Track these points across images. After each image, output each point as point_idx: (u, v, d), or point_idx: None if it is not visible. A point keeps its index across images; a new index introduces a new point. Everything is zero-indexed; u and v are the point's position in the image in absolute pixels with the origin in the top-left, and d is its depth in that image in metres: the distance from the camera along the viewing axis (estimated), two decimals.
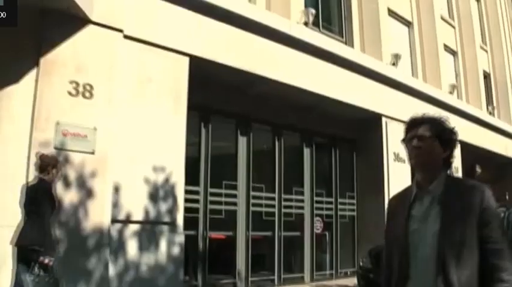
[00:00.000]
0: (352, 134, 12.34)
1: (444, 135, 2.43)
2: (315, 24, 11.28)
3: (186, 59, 8.08)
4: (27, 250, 5.20)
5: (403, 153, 9.40)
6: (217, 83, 8.92)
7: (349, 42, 12.52)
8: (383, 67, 12.12)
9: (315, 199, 11.37)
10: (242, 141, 10.04)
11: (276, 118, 10.53)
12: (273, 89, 9.68)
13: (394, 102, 12.20)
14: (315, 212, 11.34)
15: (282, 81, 9.54)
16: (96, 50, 6.99)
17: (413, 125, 2.46)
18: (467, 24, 18.22)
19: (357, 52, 12.19)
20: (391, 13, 13.89)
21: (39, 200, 5.33)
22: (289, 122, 10.89)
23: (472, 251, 2.24)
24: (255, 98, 9.74)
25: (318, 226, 11.33)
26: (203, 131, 9.28)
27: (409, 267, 2.36)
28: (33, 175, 6.12)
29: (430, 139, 2.39)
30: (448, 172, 2.47)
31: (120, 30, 7.23)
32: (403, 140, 2.45)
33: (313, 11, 10.65)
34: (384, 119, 12.06)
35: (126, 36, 7.31)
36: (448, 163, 2.47)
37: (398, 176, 11.94)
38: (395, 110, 11.99)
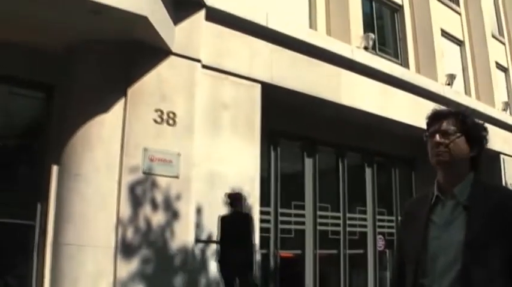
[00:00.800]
0: (410, 153, 12.41)
1: (472, 132, 2.14)
2: (373, 47, 11.48)
3: (258, 86, 8.38)
4: (242, 268, 6.77)
5: None
6: (285, 107, 9.16)
7: (405, 64, 12.69)
8: (438, 87, 12.19)
9: (377, 217, 11.50)
10: (308, 162, 10.34)
11: (339, 139, 10.73)
12: (337, 111, 9.90)
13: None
14: (377, 230, 11.46)
15: (344, 104, 9.76)
16: (178, 80, 7.35)
17: (436, 118, 2.19)
18: None
19: (412, 73, 12.32)
20: (444, 33, 13.97)
21: (250, 228, 6.88)
22: (351, 143, 11.07)
23: (502, 275, 1.93)
24: (320, 120, 9.97)
25: (380, 243, 11.45)
26: (272, 153, 9.59)
27: (425, 277, 2.08)
28: (127, 199, 6.53)
29: (455, 135, 2.11)
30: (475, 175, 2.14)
31: (198, 61, 7.59)
32: (425, 136, 2.20)
33: (372, 35, 10.89)
34: (501, 157, 12.47)
35: (203, 66, 7.66)
36: (476, 164, 2.16)
37: None
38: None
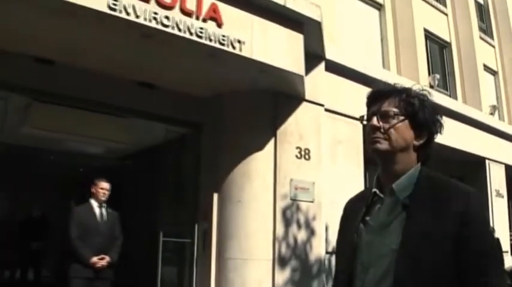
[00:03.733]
0: (461, 174, 13.82)
1: (419, 115, 1.74)
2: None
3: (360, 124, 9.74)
4: None
5: (503, 189, 11.14)
6: None
7: (453, 95, 14.08)
8: (483, 116, 13.63)
9: None
10: None
11: None
12: None
13: (494, 146, 13.73)
14: None
15: None
16: (309, 121, 8.68)
17: (376, 98, 1.80)
18: None
19: (460, 104, 13.74)
20: (486, 68, 15.40)
21: None
22: None
23: (445, 282, 1.53)
24: None
25: None
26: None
27: None
28: (280, 220, 7.87)
29: (396, 118, 1.72)
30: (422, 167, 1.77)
31: (322, 105, 8.93)
32: (362, 119, 1.83)
33: (438, 76, 12.29)
34: (487, 161, 13.57)
35: (325, 109, 9.02)
36: (424, 155, 1.79)
37: (499, 210, 13.40)
38: (496, 154, 13.56)
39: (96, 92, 7.60)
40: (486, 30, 16.21)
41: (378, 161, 1.77)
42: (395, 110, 1.73)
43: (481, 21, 15.98)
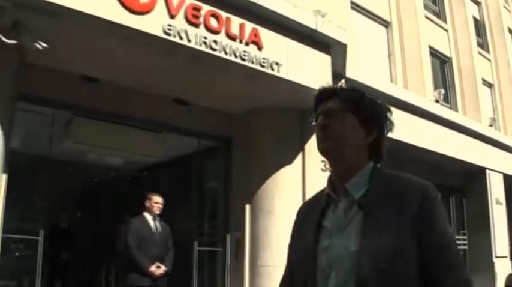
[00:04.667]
0: (462, 183, 14.41)
1: (367, 112, 1.68)
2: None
3: None
4: None
5: (502, 197, 11.66)
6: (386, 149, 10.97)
7: (454, 108, 14.64)
8: (483, 128, 14.20)
9: None
10: None
11: (412, 173, 12.55)
12: (411, 151, 11.69)
13: (494, 156, 14.31)
14: None
15: (418, 146, 11.51)
16: None
17: (322, 98, 1.75)
18: None
19: (461, 116, 14.30)
20: (485, 82, 16.01)
21: None
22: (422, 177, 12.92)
23: (407, 277, 1.47)
24: (404, 161, 11.78)
25: None
26: None
27: None
28: None
29: (341, 114, 1.65)
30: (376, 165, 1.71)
31: None
32: (312, 121, 1.77)
33: (443, 91, 12.83)
34: (487, 171, 14.13)
35: None
36: (375, 153, 1.72)
37: (499, 217, 13.97)
38: (496, 163, 14.13)
39: (134, 108, 7.96)
40: (483, 44, 16.82)
41: (328, 161, 1.73)
42: (341, 107, 1.66)
43: (478, 36, 16.59)
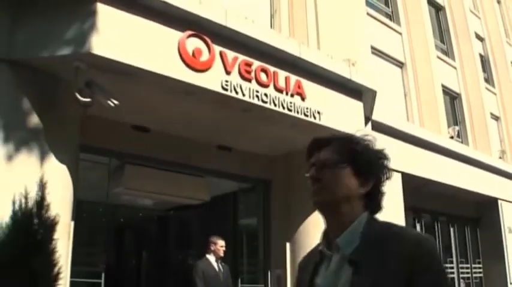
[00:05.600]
0: (476, 213, 14.94)
1: (362, 161, 1.57)
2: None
3: (399, 175, 10.74)
4: None
5: None
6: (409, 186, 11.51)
7: (465, 142, 15.21)
8: (493, 160, 14.77)
9: (459, 265, 13.96)
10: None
11: (433, 207, 13.13)
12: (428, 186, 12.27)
13: (505, 187, 14.85)
14: (460, 275, 13.89)
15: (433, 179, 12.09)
16: None
17: (315, 147, 1.66)
18: None
19: (471, 149, 14.87)
20: (492, 115, 16.64)
21: None
22: (439, 209, 13.49)
23: None
24: (424, 195, 12.34)
25: (462, 285, 13.81)
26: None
27: None
28: None
29: (335, 166, 1.56)
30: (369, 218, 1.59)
31: None
32: (304, 172, 1.65)
33: (457, 127, 13.44)
34: (499, 201, 14.66)
35: None
36: (371, 204, 1.61)
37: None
38: (507, 193, 14.69)
39: (180, 155, 8.43)
40: (488, 79, 17.51)
41: (322, 215, 1.63)
42: (334, 157, 1.57)
43: (483, 72, 17.29)
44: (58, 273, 5.06)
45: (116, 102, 6.20)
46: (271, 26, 9.69)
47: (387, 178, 1.64)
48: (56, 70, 6.13)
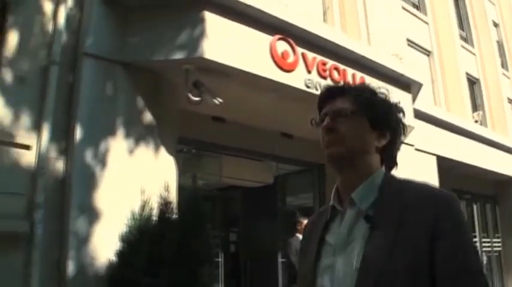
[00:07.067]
0: (495, 191, 16.02)
1: (379, 113, 1.49)
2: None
3: (434, 157, 11.68)
4: None
5: None
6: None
7: (484, 124, 16.16)
8: (511, 141, 15.76)
9: (482, 239, 15.10)
10: None
11: (457, 186, 14.09)
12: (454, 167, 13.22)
13: None
14: (482, 249, 15.01)
15: (461, 161, 13.03)
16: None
17: (329, 97, 1.55)
18: None
19: (490, 131, 15.83)
20: (509, 100, 17.58)
21: None
22: (464, 189, 14.46)
23: None
24: (455, 176, 13.29)
25: (484, 260, 14.93)
26: None
27: None
28: None
29: (352, 116, 1.46)
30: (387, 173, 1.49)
31: (412, 145, 10.79)
32: (314, 122, 1.57)
33: (481, 113, 14.37)
34: None
35: (416, 149, 10.87)
36: (388, 158, 1.52)
37: None
38: None
39: (250, 142, 9.29)
40: (503, 64, 18.42)
41: (335, 168, 1.51)
42: (351, 107, 1.48)
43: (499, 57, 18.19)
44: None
45: (220, 100, 7.03)
46: (324, 21, 10.49)
47: (403, 133, 1.56)
48: (164, 72, 6.94)
